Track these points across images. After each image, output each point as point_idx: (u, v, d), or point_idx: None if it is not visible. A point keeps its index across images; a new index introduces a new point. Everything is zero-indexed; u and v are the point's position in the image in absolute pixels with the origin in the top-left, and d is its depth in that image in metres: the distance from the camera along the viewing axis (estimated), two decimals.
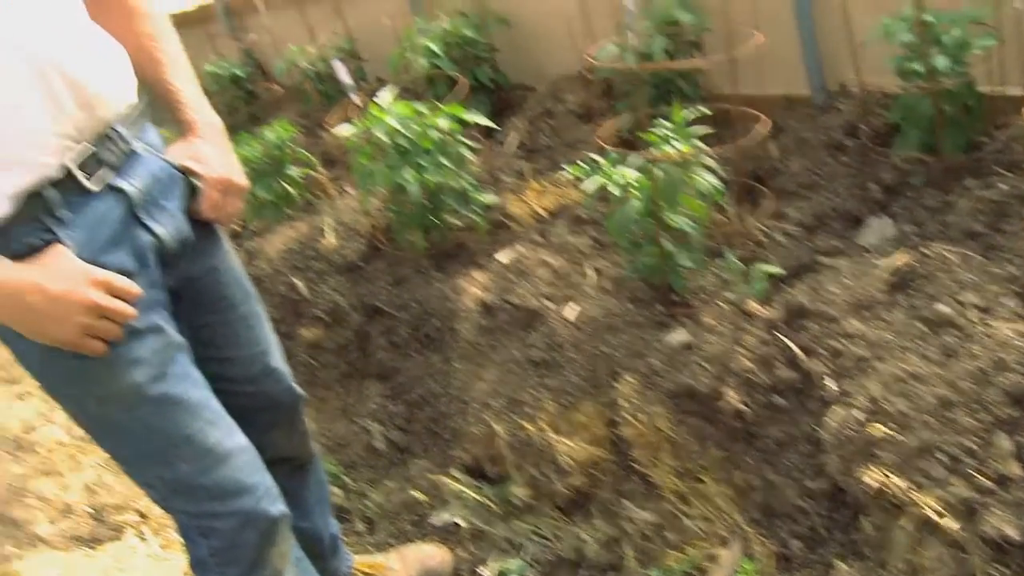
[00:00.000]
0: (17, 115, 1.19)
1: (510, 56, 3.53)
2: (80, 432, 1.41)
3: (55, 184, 1.24)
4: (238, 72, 4.76)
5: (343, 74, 2.16)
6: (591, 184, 2.06)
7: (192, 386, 1.42)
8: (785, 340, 1.94)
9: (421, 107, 2.54)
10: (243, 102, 4.70)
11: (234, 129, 4.67)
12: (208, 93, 4.75)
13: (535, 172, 2.97)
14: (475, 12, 3.46)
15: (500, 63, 3.52)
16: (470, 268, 2.55)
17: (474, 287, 2.45)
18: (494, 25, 3.44)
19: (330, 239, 2.87)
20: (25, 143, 1.21)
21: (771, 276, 2.12)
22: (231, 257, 1.62)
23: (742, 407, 1.90)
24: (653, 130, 2.08)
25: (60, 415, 2.90)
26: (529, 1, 3.40)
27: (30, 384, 3.03)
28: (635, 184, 2.05)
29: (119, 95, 1.35)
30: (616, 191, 2.05)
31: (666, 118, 2.10)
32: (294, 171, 3.21)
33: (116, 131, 1.33)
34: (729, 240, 2.37)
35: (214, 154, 1.47)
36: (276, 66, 4.31)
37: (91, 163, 1.28)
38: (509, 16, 3.45)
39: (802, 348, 1.91)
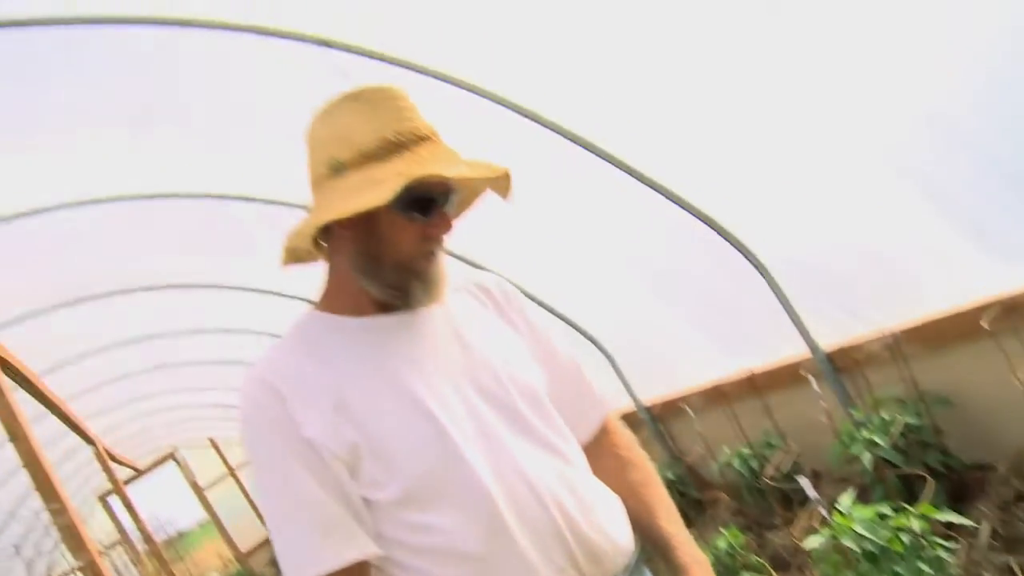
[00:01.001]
0: (549, 566, 1.28)
1: (958, 435, 3.34)
2: None
3: None
4: (669, 475, 4.99)
5: (808, 488, 2.21)
6: None
7: None
8: None
9: (884, 508, 2.46)
10: (675, 503, 4.86)
11: None
12: None
13: (1023, 567, 2.65)
14: (910, 397, 3.38)
15: (948, 444, 3.33)
16: None
17: None
18: (935, 406, 3.32)
19: None
20: None
21: None
22: None
23: None
24: None
25: None
26: (971, 376, 3.27)
27: None
28: None
29: (623, 547, 1.41)
30: None
31: None
32: None
33: None
34: None
35: None
36: (710, 466, 4.45)
37: None
38: (950, 395, 3.33)
39: None
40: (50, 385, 6.84)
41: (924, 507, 2.40)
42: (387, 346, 1.35)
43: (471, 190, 1.49)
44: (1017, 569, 2.64)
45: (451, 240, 1.41)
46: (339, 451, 1.25)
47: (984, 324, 2.98)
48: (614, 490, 1.50)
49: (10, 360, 5.19)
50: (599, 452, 1.56)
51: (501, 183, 1.41)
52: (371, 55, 3.26)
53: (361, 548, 1.25)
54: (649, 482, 1.57)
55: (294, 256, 1.44)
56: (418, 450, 1.27)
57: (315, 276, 1.49)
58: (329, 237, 1.38)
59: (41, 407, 6.91)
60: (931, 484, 2.90)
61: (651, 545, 1.52)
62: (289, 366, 1.32)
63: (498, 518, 1.26)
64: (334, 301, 1.41)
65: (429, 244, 1.34)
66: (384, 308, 1.38)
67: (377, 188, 1.24)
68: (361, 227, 1.31)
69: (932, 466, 3.21)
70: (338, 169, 1.31)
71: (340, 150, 1.31)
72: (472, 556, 1.26)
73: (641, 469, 1.58)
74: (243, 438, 1.32)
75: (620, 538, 1.40)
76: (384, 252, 1.32)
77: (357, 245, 1.33)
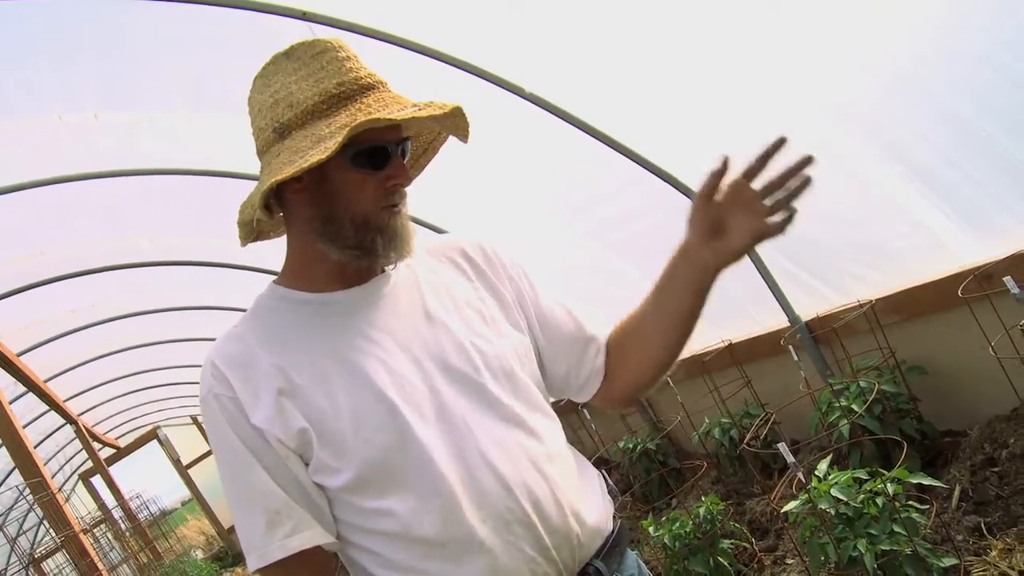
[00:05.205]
0: (514, 554, 1.24)
1: (933, 403, 3.40)
2: None
3: None
4: (649, 445, 5.03)
5: (786, 453, 2.24)
6: None
7: None
8: None
9: (860, 473, 2.50)
10: (656, 473, 4.92)
11: (648, 500, 4.88)
12: (621, 467, 4.99)
13: (992, 528, 2.70)
14: (887, 365, 3.43)
15: (923, 412, 3.39)
16: None
17: None
18: (911, 374, 3.37)
19: None
20: None
21: None
22: None
23: None
24: None
25: None
26: (946, 345, 3.32)
27: None
28: None
29: (596, 528, 1.34)
30: None
31: None
32: (726, 544, 3.21)
33: (595, 567, 1.32)
34: None
35: None
36: (692, 435, 4.49)
37: None
38: (926, 363, 3.38)
39: None
40: (30, 365, 6.81)
41: (898, 472, 2.44)
42: (344, 324, 1.29)
43: (431, 137, 1.42)
44: (985, 529, 2.70)
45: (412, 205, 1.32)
46: (287, 439, 1.22)
47: (959, 294, 3.01)
48: (633, 333, 1.51)
49: None
50: (610, 365, 1.52)
51: (459, 126, 1.32)
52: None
53: (308, 538, 1.22)
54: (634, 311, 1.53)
55: (252, 231, 1.34)
56: (369, 434, 1.21)
57: None
58: (284, 205, 1.31)
59: (21, 387, 6.88)
60: (906, 450, 2.95)
61: (672, 281, 1.43)
62: (239, 351, 1.27)
63: (454, 502, 1.21)
64: (294, 275, 1.34)
65: (388, 197, 1.26)
66: (346, 281, 1.33)
67: (321, 144, 1.16)
68: (314, 189, 1.24)
69: (907, 432, 3.26)
70: (282, 132, 1.23)
71: (282, 112, 1.23)
72: (428, 542, 1.22)
73: (624, 320, 1.55)
74: (204, 424, 1.28)
75: (593, 518, 1.34)
76: (341, 211, 1.24)
77: (312, 209, 1.26)
